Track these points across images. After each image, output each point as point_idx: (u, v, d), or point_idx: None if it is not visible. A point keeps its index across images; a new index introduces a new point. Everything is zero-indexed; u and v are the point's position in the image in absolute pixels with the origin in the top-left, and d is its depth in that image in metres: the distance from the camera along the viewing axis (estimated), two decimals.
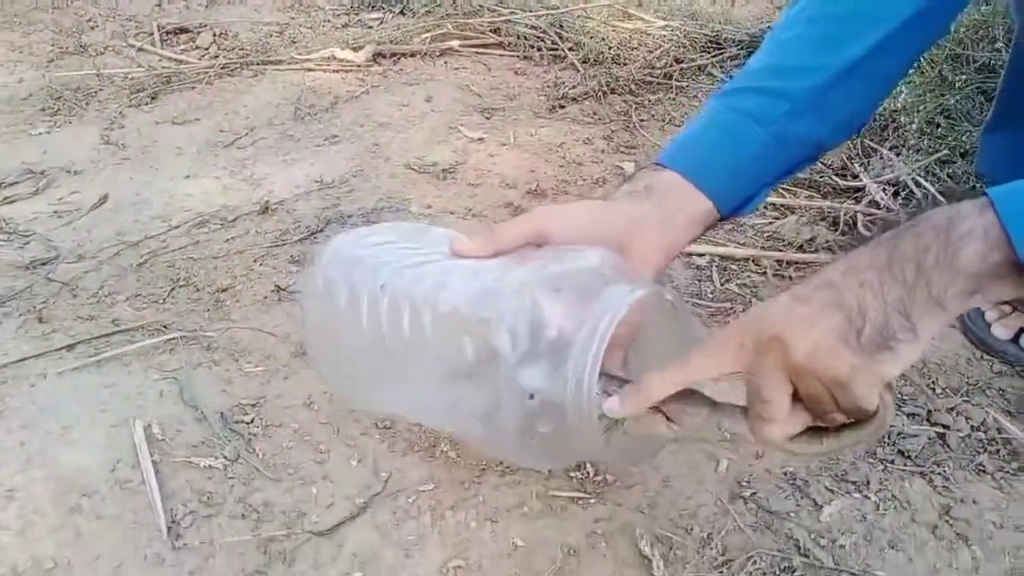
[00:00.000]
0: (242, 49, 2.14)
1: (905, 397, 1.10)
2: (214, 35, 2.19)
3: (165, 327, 1.16)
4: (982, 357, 1.20)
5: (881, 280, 0.59)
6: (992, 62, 1.74)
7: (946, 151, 1.62)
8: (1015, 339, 1.19)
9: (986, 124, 1.29)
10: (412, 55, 2.18)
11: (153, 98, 1.89)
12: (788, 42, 0.94)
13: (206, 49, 2.14)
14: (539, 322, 0.65)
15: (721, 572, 0.85)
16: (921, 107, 1.71)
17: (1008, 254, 0.57)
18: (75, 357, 1.09)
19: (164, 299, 1.23)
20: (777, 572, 0.85)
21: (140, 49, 2.13)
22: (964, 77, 1.73)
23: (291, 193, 1.53)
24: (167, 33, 2.20)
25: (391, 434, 0.99)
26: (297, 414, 1.01)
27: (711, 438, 0.82)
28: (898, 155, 1.64)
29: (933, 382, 1.14)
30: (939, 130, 1.68)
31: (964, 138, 1.62)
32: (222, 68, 2.01)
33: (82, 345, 1.11)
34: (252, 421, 1.00)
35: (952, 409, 1.09)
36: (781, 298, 0.63)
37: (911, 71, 1.75)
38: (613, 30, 2.37)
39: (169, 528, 0.86)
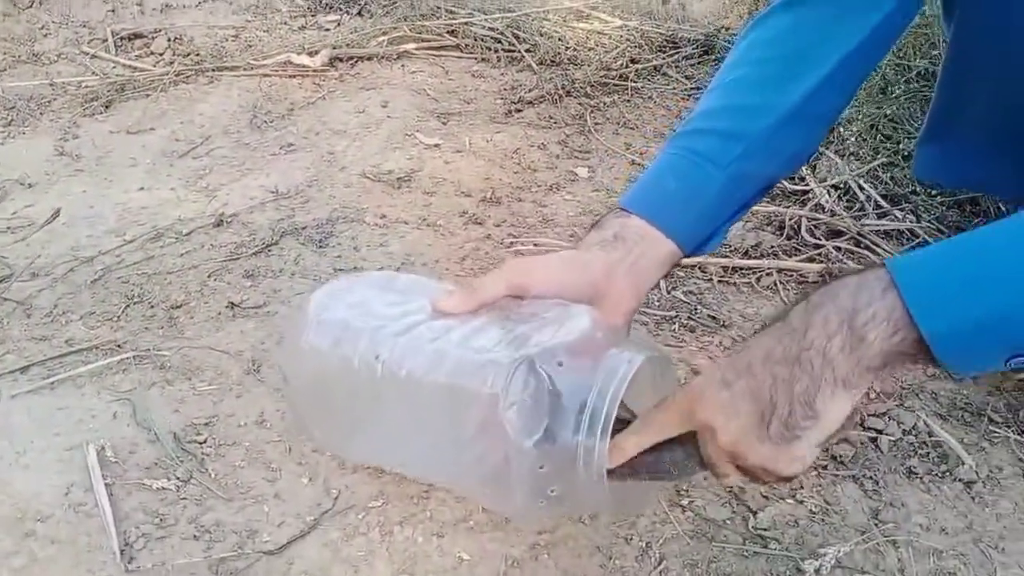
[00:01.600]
0: (197, 54, 2.14)
1: None
2: (169, 40, 2.18)
3: (119, 346, 1.17)
4: None
5: (791, 374, 0.65)
6: (933, 69, 1.79)
7: (888, 155, 1.67)
8: None
9: (921, 134, 1.33)
10: (369, 58, 2.19)
11: (107, 107, 1.89)
12: (738, 83, 0.98)
13: (161, 55, 2.14)
14: (547, 396, 0.71)
15: (654, 566, 0.89)
16: (864, 114, 1.75)
17: (912, 335, 0.62)
18: (28, 379, 1.10)
19: (118, 317, 1.24)
20: (705, 564, 0.89)
21: (94, 56, 2.12)
22: (905, 84, 1.77)
23: (246, 205, 1.54)
24: (121, 39, 2.20)
25: None
26: (249, 433, 1.03)
27: (688, 477, 0.89)
28: (843, 158, 1.69)
29: (869, 388, 1.18)
30: (881, 135, 1.72)
31: (906, 142, 1.67)
32: (177, 75, 2.01)
33: (36, 367, 1.12)
34: (205, 441, 1.01)
35: (885, 414, 1.13)
36: (715, 376, 0.69)
37: None
38: (570, 30, 2.40)
39: (122, 551, 0.88)
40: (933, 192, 1.56)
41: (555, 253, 0.89)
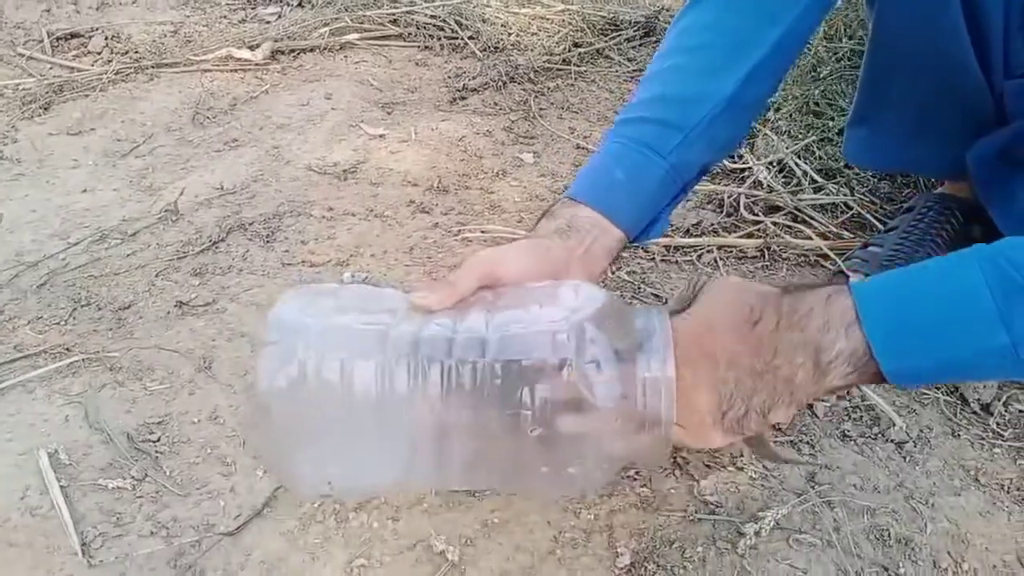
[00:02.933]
0: (136, 52, 2.11)
1: None
2: (106, 39, 2.15)
3: (68, 350, 1.17)
4: None
5: (753, 386, 0.72)
6: (861, 49, 1.84)
7: (821, 132, 1.72)
8: None
9: (848, 118, 1.38)
10: (311, 50, 2.19)
11: (46, 108, 1.86)
12: (674, 71, 1.03)
13: (98, 54, 2.11)
14: (612, 352, 0.71)
15: (608, 550, 0.93)
16: (796, 94, 1.80)
17: (872, 368, 0.69)
18: None
19: (66, 320, 1.24)
20: (657, 545, 0.93)
21: (30, 58, 2.09)
22: (836, 63, 1.83)
23: (191, 202, 1.54)
24: (57, 39, 2.16)
25: None
26: (203, 429, 1.05)
27: None
28: (779, 136, 1.74)
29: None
30: (812, 113, 1.78)
31: (838, 118, 1.72)
32: (116, 73, 1.99)
33: None
34: (159, 439, 1.03)
35: None
36: (679, 354, 0.73)
37: None
38: (513, 16, 2.42)
39: (82, 550, 0.89)
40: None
41: (518, 242, 0.92)
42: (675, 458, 1.04)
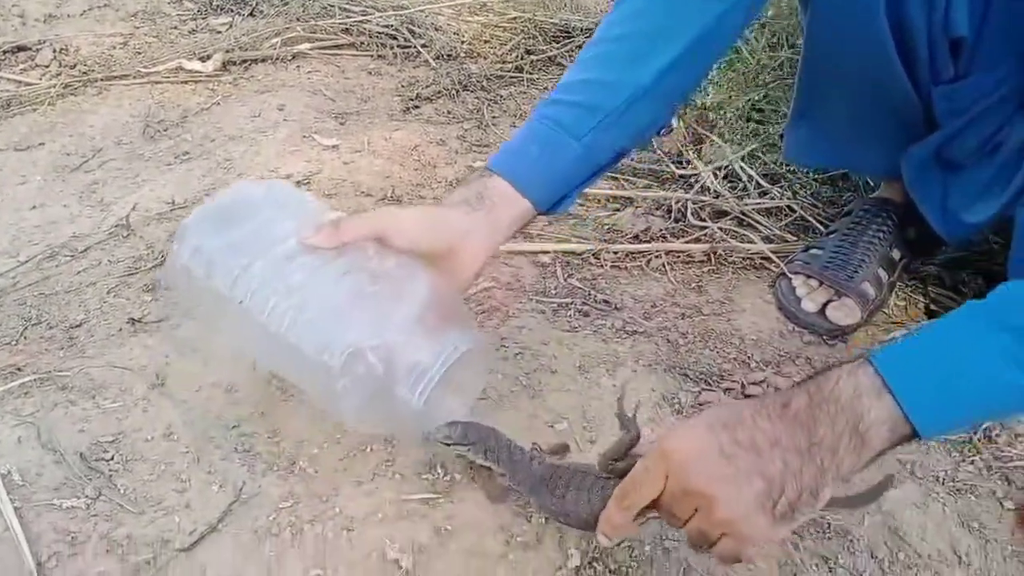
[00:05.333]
0: (85, 65, 2.09)
1: (723, 374, 1.23)
2: (54, 51, 2.13)
3: (19, 369, 1.17)
4: (793, 330, 1.35)
5: (801, 463, 0.73)
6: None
7: (765, 137, 1.77)
8: (821, 311, 1.34)
9: (789, 116, 1.42)
10: (263, 60, 2.19)
11: None
12: (597, 59, 1.09)
13: (47, 67, 2.09)
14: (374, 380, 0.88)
15: (558, 552, 0.95)
16: (739, 99, 1.85)
17: (907, 431, 0.73)
18: None
19: (16, 340, 1.23)
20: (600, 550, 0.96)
21: None
22: (778, 70, 1.88)
23: (143, 217, 1.54)
24: (4, 53, 2.13)
25: (251, 456, 1.05)
26: (157, 446, 1.05)
27: None
28: (725, 142, 1.78)
29: (749, 357, 1.27)
30: (754, 120, 1.82)
31: (782, 122, 1.77)
32: (64, 87, 1.97)
33: None
34: (112, 458, 1.03)
35: (763, 381, 1.22)
36: (709, 446, 0.75)
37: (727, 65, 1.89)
38: (465, 24, 2.44)
39: (36, 570, 0.89)
40: (808, 171, 1.67)
41: (420, 207, 0.99)
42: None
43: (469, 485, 1.02)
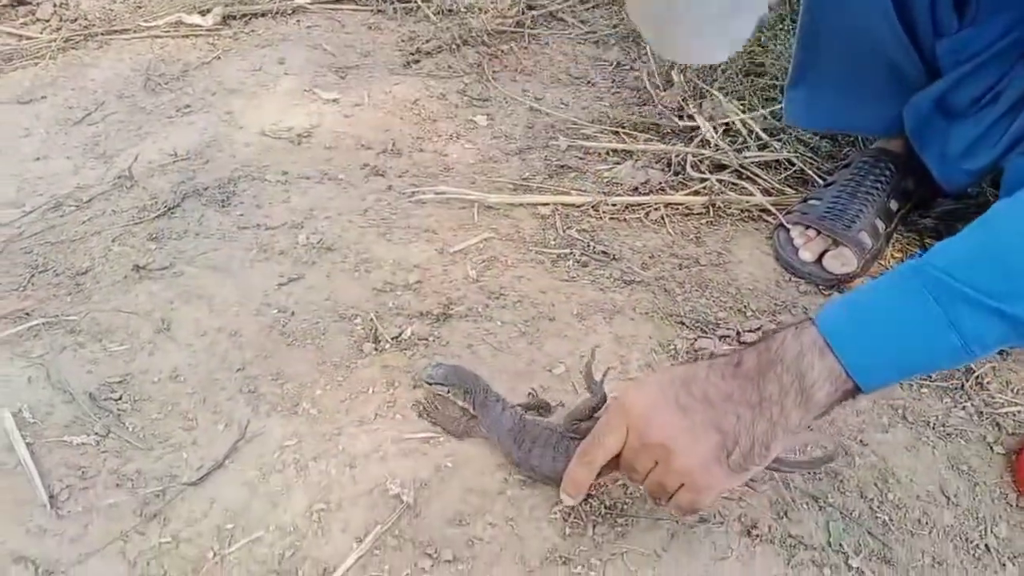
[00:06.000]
0: (85, 19, 2.09)
1: (719, 322, 1.25)
2: (55, 5, 2.12)
3: (27, 314, 1.19)
4: (790, 280, 1.36)
5: (752, 417, 0.78)
6: None
7: (767, 91, 1.77)
8: (818, 261, 1.36)
9: (788, 79, 1.42)
10: (263, 15, 2.17)
11: None
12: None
13: (47, 21, 2.08)
14: None
15: (556, 489, 0.98)
16: (743, 52, 1.84)
17: (849, 386, 0.77)
18: None
19: (24, 286, 1.25)
20: (602, 483, 0.99)
21: None
22: (780, 23, 1.87)
23: (146, 168, 1.55)
24: (4, 7, 2.12)
25: (255, 398, 1.07)
26: (164, 387, 1.08)
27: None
28: (726, 95, 1.78)
29: (745, 306, 1.29)
30: (754, 75, 1.82)
31: (781, 77, 1.77)
32: (65, 41, 1.97)
33: None
34: (120, 398, 1.05)
35: (759, 328, 1.24)
36: (665, 400, 0.80)
37: None
38: None
39: (50, 501, 0.92)
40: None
41: None
42: None
43: None
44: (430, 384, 1.04)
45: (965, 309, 0.74)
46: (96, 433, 1.00)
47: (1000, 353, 1.23)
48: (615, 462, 0.86)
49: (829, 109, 1.38)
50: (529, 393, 1.09)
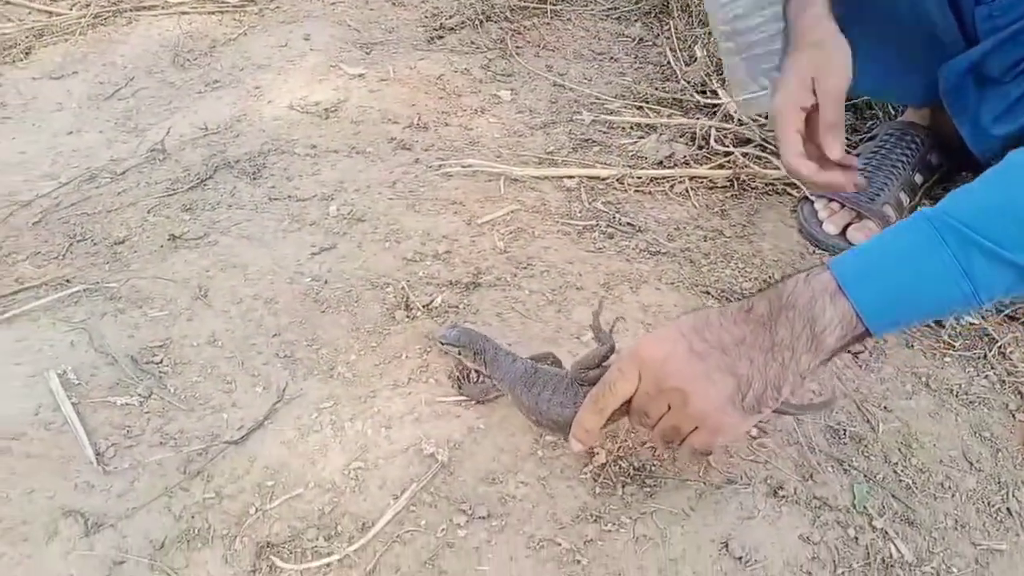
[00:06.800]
0: None
1: (744, 292, 1.26)
2: None
3: (68, 281, 1.22)
4: (814, 252, 1.37)
5: (765, 361, 0.80)
6: None
7: None
8: (842, 233, 1.37)
9: None
10: None
11: (27, 53, 1.88)
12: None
13: None
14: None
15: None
16: None
17: (859, 331, 0.79)
18: None
19: (63, 255, 1.29)
20: (631, 445, 1.01)
21: (7, 3, 2.09)
22: None
23: (177, 142, 1.58)
24: None
25: (292, 362, 1.10)
26: (203, 352, 1.11)
27: None
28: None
29: (769, 276, 1.30)
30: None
31: None
32: (95, 17, 2.00)
33: None
34: (161, 361, 1.09)
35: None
36: (679, 347, 0.82)
37: None
38: None
39: (96, 459, 0.95)
40: None
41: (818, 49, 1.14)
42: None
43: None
44: (443, 345, 1.07)
45: (978, 257, 0.77)
46: (139, 394, 1.04)
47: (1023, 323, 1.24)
48: (624, 408, 0.89)
49: (861, 77, 1.38)
50: (552, 357, 1.11)
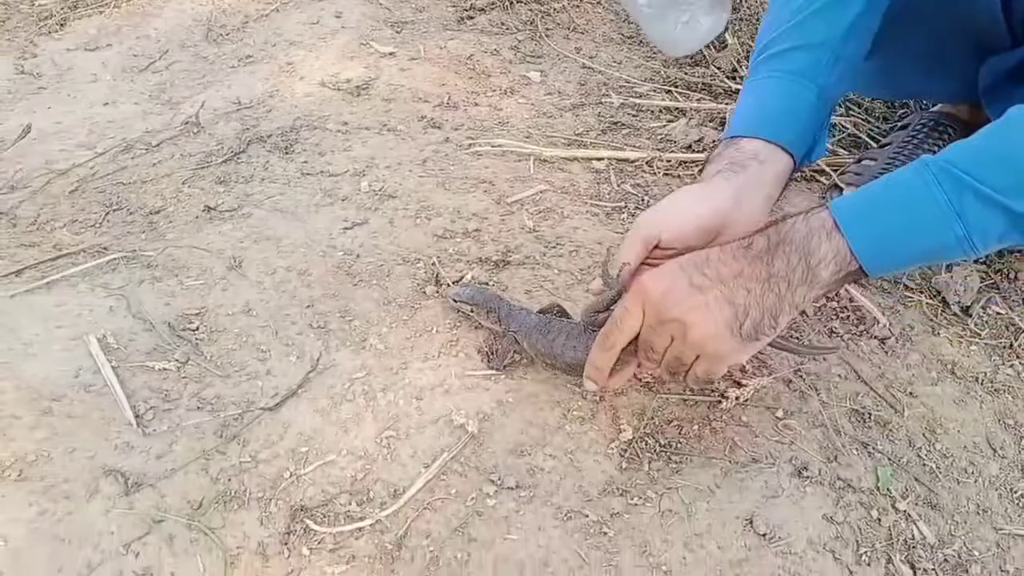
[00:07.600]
0: None
1: None
2: None
3: (105, 249, 1.25)
4: None
5: (762, 291, 0.84)
6: None
7: None
8: None
9: None
10: None
11: (62, 25, 1.90)
12: (799, 9, 1.06)
13: None
14: None
15: (611, 427, 1.02)
16: None
17: (854, 267, 0.82)
18: (24, 281, 1.17)
19: (100, 223, 1.31)
20: (657, 422, 1.02)
21: None
22: None
23: (211, 115, 1.60)
24: None
25: (325, 333, 1.12)
26: (238, 320, 1.13)
27: None
28: None
29: None
30: None
31: None
32: None
33: (29, 270, 1.20)
34: (197, 328, 1.11)
35: None
36: (679, 280, 0.85)
37: None
38: None
39: (136, 421, 0.98)
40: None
41: (680, 191, 0.99)
42: None
43: (529, 366, 1.08)
44: (456, 302, 1.12)
45: (972, 201, 0.80)
46: (176, 360, 1.06)
47: None
48: (634, 347, 0.91)
49: (901, 79, 1.38)
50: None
